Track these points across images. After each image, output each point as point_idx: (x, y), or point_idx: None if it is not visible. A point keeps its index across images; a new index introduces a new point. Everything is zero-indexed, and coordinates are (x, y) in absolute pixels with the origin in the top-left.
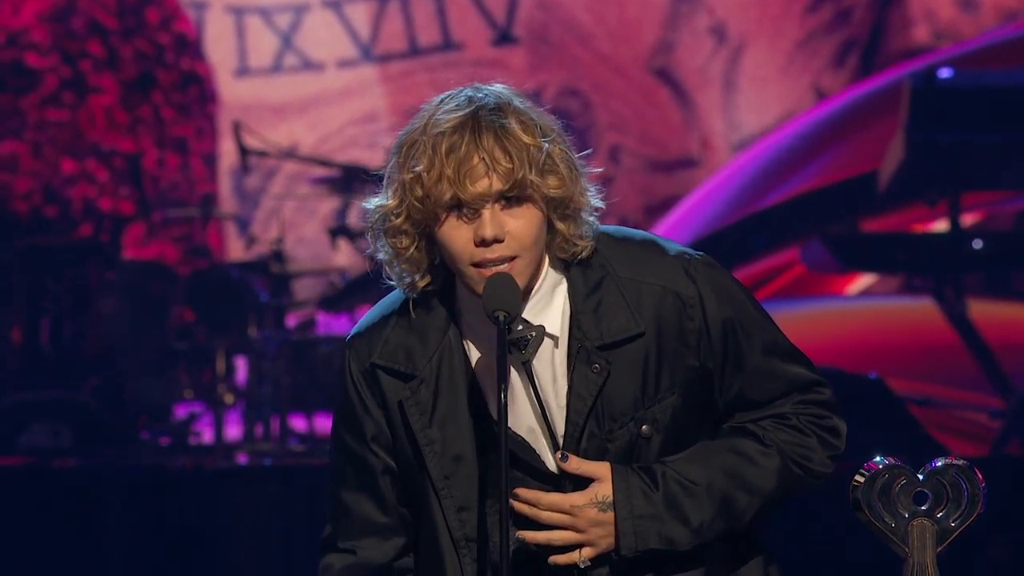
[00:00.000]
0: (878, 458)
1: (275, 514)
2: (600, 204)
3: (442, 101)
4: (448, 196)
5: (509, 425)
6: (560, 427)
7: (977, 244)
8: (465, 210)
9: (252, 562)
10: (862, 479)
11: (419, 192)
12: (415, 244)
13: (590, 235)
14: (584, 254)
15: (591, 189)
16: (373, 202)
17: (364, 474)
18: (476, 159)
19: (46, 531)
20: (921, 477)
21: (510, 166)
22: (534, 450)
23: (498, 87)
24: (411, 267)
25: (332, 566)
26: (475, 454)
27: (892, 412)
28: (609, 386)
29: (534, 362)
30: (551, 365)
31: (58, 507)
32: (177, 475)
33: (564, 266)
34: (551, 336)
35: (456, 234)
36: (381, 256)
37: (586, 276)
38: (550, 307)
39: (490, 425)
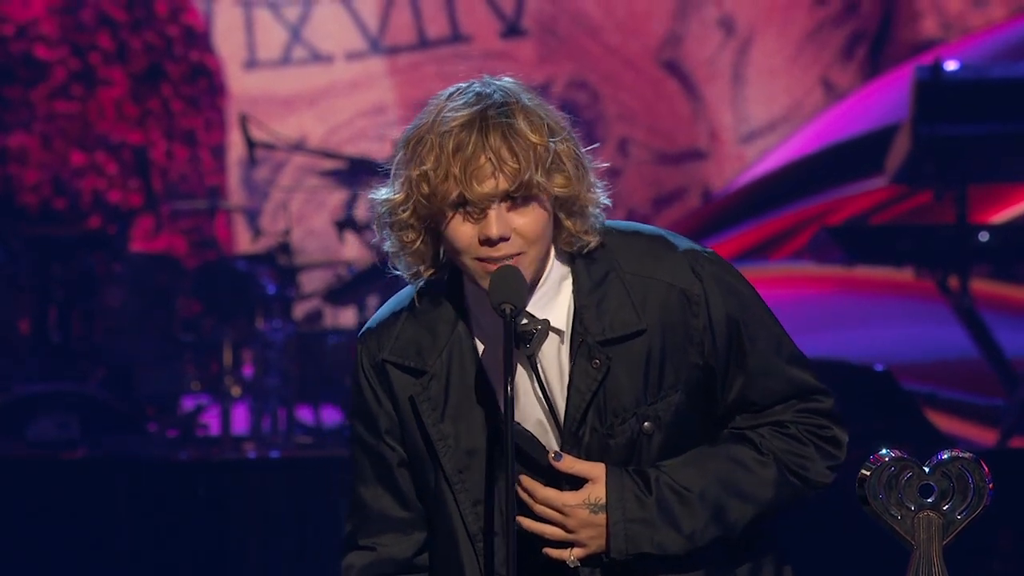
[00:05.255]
0: (884, 451)
1: (282, 506)
2: (606, 202)
3: (450, 96)
4: (454, 195)
5: (517, 420)
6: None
7: (983, 236)
8: (471, 208)
9: (259, 554)
10: (868, 471)
11: (425, 189)
12: (420, 238)
13: (596, 229)
14: (591, 247)
15: (598, 184)
16: (380, 194)
17: (381, 468)
18: (483, 159)
19: (53, 523)
20: (927, 470)
21: (516, 166)
22: (542, 444)
23: (507, 82)
24: (416, 260)
25: (353, 565)
26: (488, 447)
27: (899, 404)
28: (609, 381)
29: (541, 356)
30: (557, 359)
31: (65, 499)
32: (184, 467)
33: (570, 260)
34: (556, 330)
35: (462, 231)
36: (387, 247)
37: (591, 271)
38: (555, 301)
39: (500, 418)
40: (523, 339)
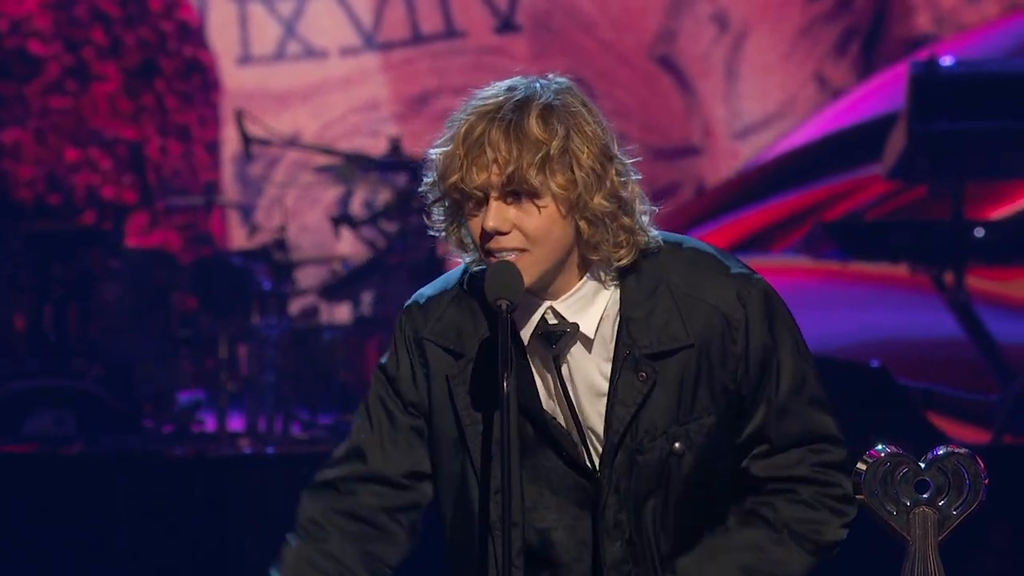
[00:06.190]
0: (880, 446)
1: (278, 502)
2: (636, 229)
3: (488, 87)
4: (453, 180)
5: (552, 415)
6: (598, 434)
7: (979, 232)
8: (473, 200)
9: (256, 550)
10: (864, 467)
11: (437, 171)
12: (451, 224)
13: (632, 244)
14: (623, 262)
15: (638, 199)
16: (427, 177)
17: (385, 426)
18: (483, 149)
19: (50, 518)
20: (923, 465)
21: (508, 158)
22: (574, 441)
23: (551, 81)
24: (454, 245)
25: (314, 502)
26: (518, 437)
27: (894, 400)
28: (652, 396)
29: (569, 361)
30: (585, 368)
31: (62, 494)
32: (181, 463)
33: (617, 272)
34: (584, 337)
35: (473, 224)
36: (434, 231)
37: (640, 283)
38: (589, 309)
39: (532, 409)
40: (550, 339)
